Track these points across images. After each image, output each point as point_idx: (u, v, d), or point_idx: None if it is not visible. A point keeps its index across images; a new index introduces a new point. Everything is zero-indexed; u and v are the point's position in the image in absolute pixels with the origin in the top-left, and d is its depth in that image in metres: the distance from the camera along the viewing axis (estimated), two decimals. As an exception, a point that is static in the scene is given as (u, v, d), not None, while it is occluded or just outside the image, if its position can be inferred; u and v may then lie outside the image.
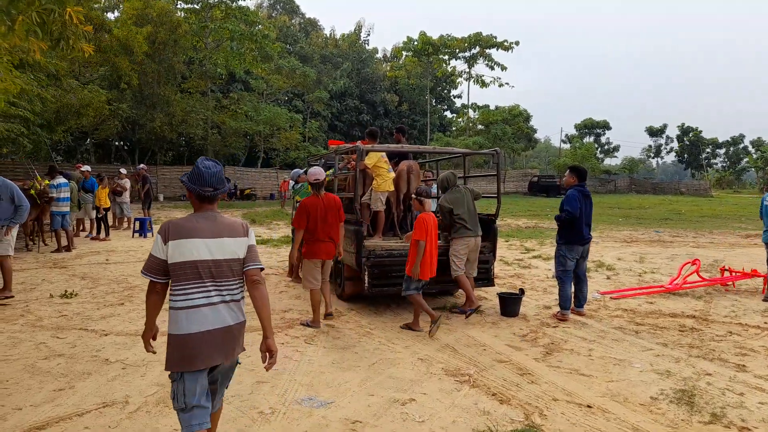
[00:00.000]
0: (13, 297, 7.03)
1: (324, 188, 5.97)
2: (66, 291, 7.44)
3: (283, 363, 4.74)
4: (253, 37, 33.72)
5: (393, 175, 7.26)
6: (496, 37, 44.56)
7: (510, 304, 6.65)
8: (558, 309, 6.76)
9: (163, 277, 2.66)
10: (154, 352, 2.82)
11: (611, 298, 7.72)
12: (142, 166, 16.74)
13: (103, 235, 13.51)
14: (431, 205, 6.01)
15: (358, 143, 7.22)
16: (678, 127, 77.06)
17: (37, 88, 15.92)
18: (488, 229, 7.00)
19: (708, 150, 76.92)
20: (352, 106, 50.15)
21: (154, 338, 2.85)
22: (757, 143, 73.91)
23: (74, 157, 33.87)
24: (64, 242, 11.34)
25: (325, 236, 5.82)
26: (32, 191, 10.62)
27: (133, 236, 14.25)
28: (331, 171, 7.54)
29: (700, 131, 75.19)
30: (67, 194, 11.45)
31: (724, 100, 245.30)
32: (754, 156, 59.85)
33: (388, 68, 54.47)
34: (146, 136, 32.17)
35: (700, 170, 72.86)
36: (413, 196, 5.97)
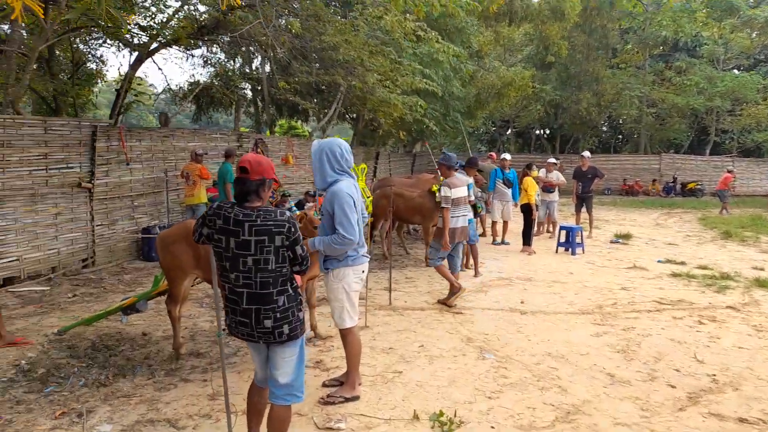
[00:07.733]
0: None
1: None
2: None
3: None
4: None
5: None
6: None
7: None
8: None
9: None
10: None
11: None
12: (585, 154, 12.65)
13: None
14: None
15: None
16: None
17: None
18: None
19: None
20: None
21: None
22: None
23: (495, 147, 32.94)
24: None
25: None
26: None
27: (556, 251, 10.22)
28: None
29: None
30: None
31: None
32: None
33: None
34: (569, 120, 28.30)
35: None
36: None
